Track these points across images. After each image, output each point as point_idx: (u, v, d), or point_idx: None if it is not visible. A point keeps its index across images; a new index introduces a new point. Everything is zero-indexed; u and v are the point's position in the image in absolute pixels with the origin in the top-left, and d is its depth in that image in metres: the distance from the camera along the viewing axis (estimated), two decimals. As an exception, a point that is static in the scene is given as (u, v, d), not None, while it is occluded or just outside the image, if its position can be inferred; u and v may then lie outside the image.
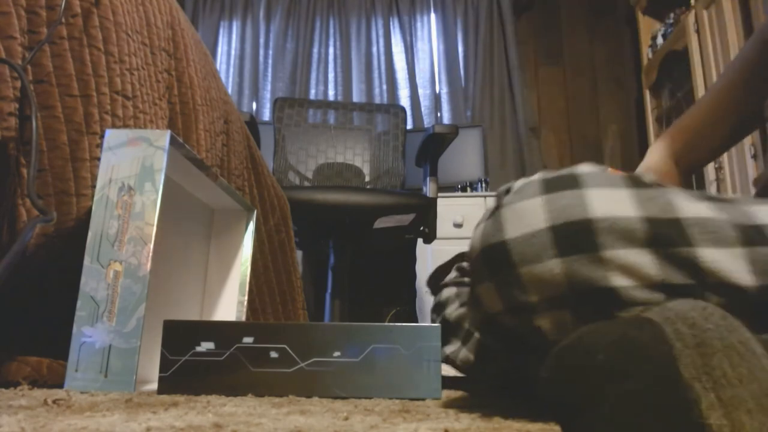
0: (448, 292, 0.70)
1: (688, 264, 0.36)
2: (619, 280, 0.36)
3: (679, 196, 0.38)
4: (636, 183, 0.39)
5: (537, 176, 0.42)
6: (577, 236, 0.37)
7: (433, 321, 0.69)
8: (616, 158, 3.13)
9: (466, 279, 0.68)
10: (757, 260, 0.35)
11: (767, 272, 0.35)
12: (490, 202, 2.56)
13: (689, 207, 0.38)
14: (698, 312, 0.27)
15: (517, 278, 0.38)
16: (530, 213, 0.39)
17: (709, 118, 0.79)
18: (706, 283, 0.35)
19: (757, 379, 0.24)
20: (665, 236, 0.36)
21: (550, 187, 0.40)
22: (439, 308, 0.69)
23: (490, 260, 0.40)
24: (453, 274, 0.72)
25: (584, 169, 0.41)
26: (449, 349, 0.66)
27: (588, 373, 0.28)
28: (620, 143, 3.15)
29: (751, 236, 0.36)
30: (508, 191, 0.43)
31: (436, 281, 0.74)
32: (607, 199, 0.38)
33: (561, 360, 0.31)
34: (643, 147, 3.09)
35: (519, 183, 0.42)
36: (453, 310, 0.67)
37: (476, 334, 0.63)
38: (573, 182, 0.39)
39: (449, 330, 0.67)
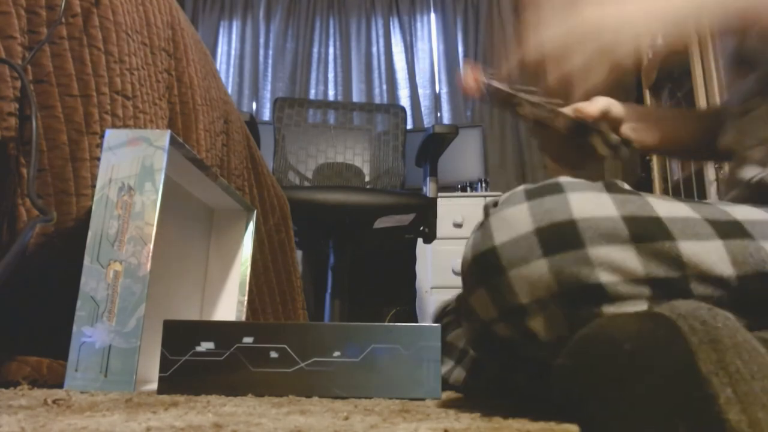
0: (447, 318, 0.72)
1: (671, 258, 0.37)
2: (606, 276, 0.37)
3: (655, 199, 0.40)
4: (614, 188, 0.42)
5: (521, 187, 0.44)
6: (563, 236, 0.38)
7: None
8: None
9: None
10: (735, 252, 0.37)
11: (746, 263, 0.37)
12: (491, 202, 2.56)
13: (667, 207, 0.40)
14: (705, 311, 0.28)
15: (507, 281, 0.39)
16: (516, 218, 0.40)
17: (670, 119, 0.79)
18: (688, 276, 0.37)
19: (766, 375, 0.25)
20: (647, 232, 0.38)
21: (533, 194, 0.41)
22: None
23: (481, 267, 0.41)
24: (453, 304, 0.74)
25: (564, 178, 0.43)
26: (443, 369, 0.68)
27: (613, 362, 0.29)
28: (620, 143, 3.14)
29: (728, 230, 0.38)
30: (495, 204, 0.44)
31: (439, 317, 0.77)
32: (589, 201, 0.39)
33: (583, 347, 0.31)
34: (643, 147, 3.08)
35: (504, 195, 0.44)
36: (450, 332, 0.70)
37: (471, 352, 0.65)
38: (555, 188, 0.41)
39: (444, 350, 0.68)
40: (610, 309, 0.37)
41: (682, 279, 0.37)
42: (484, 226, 0.43)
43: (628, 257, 0.37)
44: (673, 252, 0.37)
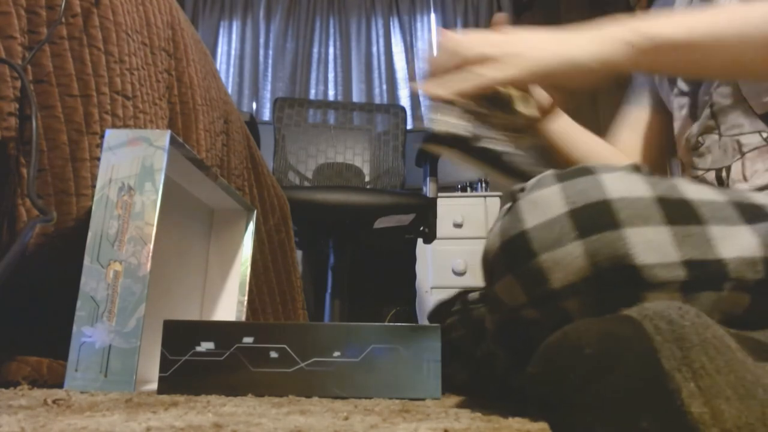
0: (451, 319, 0.71)
1: (705, 239, 0.36)
2: (643, 257, 0.36)
3: (680, 182, 0.40)
4: (641, 170, 0.41)
5: (549, 171, 0.42)
6: (598, 217, 0.37)
7: None
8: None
9: (473, 307, 0.69)
10: (762, 234, 0.37)
11: None
12: (490, 202, 2.56)
13: (693, 190, 0.39)
14: (674, 310, 0.28)
15: (538, 266, 0.38)
16: (548, 200, 0.39)
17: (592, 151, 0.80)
18: (724, 258, 0.36)
19: (733, 370, 0.25)
20: (680, 214, 0.37)
21: (564, 176, 0.40)
22: (443, 333, 0.71)
23: (511, 252, 0.40)
24: (457, 306, 0.73)
25: (592, 163, 0.42)
26: (447, 369, 0.67)
27: (576, 367, 0.29)
28: (620, 143, 3.14)
29: (753, 214, 0.38)
30: (522, 189, 0.43)
31: (437, 314, 0.76)
32: (621, 181, 0.38)
33: (548, 355, 0.31)
34: (643, 147, 3.08)
35: (532, 180, 0.43)
36: (454, 333, 0.69)
37: (477, 354, 0.65)
38: (586, 171, 0.40)
39: (449, 350, 0.68)
40: (644, 294, 0.36)
41: (717, 261, 0.36)
42: (512, 211, 0.41)
43: (664, 238, 0.36)
44: (706, 232, 0.37)
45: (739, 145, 0.65)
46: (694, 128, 0.72)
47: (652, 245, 0.36)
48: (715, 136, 0.68)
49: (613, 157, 0.81)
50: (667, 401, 0.25)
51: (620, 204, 0.37)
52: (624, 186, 0.38)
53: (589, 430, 0.28)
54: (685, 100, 0.75)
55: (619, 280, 0.36)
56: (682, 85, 0.76)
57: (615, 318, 0.30)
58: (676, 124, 0.78)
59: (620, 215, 0.37)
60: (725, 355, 0.26)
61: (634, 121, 0.85)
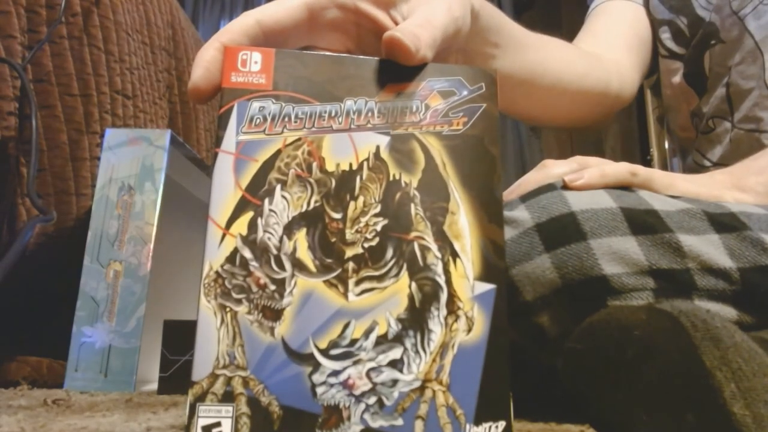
0: None
1: (672, 249, 0.37)
2: (610, 268, 0.36)
3: (647, 194, 0.40)
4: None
5: (515, 197, 0.44)
6: (563, 229, 0.38)
7: None
8: (616, 158, 3.12)
9: None
10: (732, 245, 0.37)
11: (743, 256, 0.37)
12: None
13: (661, 201, 0.39)
14: (702, 312, 0.28)
15: (510, 280, 0.39)
16: (515, 218, 0.40)
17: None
18: (691, 268, 0.37)
19: (767, 374, 0.25)
20: (646, 224, 0.37)
21: (528, 196, 0.41)
22: None
23: None
24: None
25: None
26: None
27: (626, 346, 0.29)
28: (621, 143, 3.15)
29: (724, 222, 0.38)
30: None
31: None
32: (584, 195, 0.39)
33: (594, 331, 0.31)
34: (644, 146, 3.09)
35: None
36: None
37: None
38: (549, 187, 0.41)
39: None
40: (615, 302, 0.36)
41: (685, 271, 0.37)
42: None
43: (630, 248, 0.37)
44: (674, 242, 0.37)
45: (759, 144, 0.57)
46: (705, 108, 0.63)
47: (618, 254, 0.36)
48: (727, 124, 0.61)
49: (592, 66, 0.61)
50: (710, 398, 0.25)
51: (584, 216, 0.38)
52: (587, 198, 0.39)
53: (630, 413, 0.27)
54: (677, 65, 0.67)
55: (589, 290, 0.36)
56: (671, 44, 0.67)
57: (648, 308, 0.30)
58: (667, 91, 0.70)
59: (585, 226, 0.37)
60: (756, 358, 0.26)
61: (616, 11, 0.70)
